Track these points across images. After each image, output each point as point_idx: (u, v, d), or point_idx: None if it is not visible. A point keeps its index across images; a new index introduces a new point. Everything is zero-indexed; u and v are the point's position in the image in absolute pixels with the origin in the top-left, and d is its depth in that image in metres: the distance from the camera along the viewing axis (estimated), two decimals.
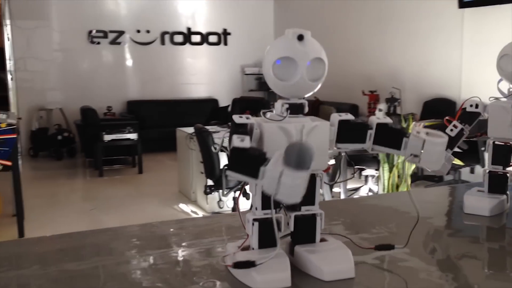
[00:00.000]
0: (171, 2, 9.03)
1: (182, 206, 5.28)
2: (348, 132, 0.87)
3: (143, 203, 5.43)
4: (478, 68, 5.64)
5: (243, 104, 7.33)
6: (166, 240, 1.05)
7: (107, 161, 7.04)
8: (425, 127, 1.19)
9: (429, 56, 6.42)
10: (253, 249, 0.84)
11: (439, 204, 1.34)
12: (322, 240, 0.89)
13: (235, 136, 0.75)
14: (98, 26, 8.55)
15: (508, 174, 1.20)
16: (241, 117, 0.80)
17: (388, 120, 0.89)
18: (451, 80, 6.09)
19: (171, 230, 1.11)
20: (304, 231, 0.87)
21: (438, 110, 5.94)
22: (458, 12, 5.84)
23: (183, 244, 1.02)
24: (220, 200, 4.74)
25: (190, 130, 5.16)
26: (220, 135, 5.07)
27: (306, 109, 0.85)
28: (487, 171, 1.20)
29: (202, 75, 9.33)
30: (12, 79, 8.19)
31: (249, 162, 0.74)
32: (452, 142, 1.19)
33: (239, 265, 0.80)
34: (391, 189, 4.18)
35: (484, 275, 0.90)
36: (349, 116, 0.88)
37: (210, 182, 4.54)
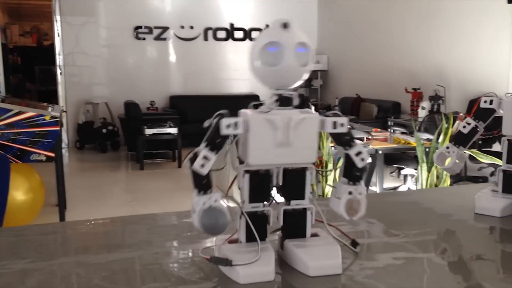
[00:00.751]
0: None
1: None
2: None
3: (181, 197, 5.51)
4: None
5: None
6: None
7: (148, 154, 7.19)
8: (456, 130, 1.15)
9: (476, 52, 6.20)
10: (240, 242, 0.83)
11: (450, 203, 1.29)
12: (314, 235, 0.87)
13: (199, 158, 0.80)
14: (144, 22, 8.74)
15: None
16: (228, 126, 0.81)
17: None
18: (499, 77, 5.85)
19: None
20: (294, 226, 0.85)
21: None
22: (507, 7, 5.60)
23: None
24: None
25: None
26: None
27: (296, 101, 0.84)
28: (501, 170, 1.15)
29: (243, 71, 9.35)
30: (61, 73, 8.49)
31: (196, 185, 0.81)
32: (465, 140, 1.14)
33: (215, 260, 0.80)
34: None
35: (498, 277, 0.86)
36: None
37: None
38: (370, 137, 4.63)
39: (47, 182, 4.70)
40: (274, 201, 0.86)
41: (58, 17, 8.34)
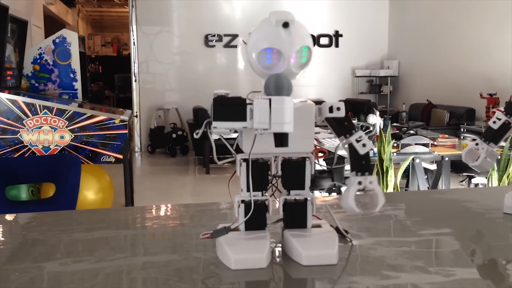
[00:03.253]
0: (283, 4, 9.15)
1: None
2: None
3: None
4: None
5: (348, 107, 7.09)
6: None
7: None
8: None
9: None
10: (239, 230, 0.84)
11: (481, 204, 1.22)
12: (316, 226, 0.86)
13: (219, 90, 0.78)
14: (214, 30, 8.96)
15: None
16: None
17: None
18: None
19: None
20: (294, 216, 0.85)
21: None
22: None
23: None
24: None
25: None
26: (320, 136, 5.04)
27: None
28: None
29: (311, 76, 9.32)
30: (135, 80, 8.89)
31: (234, 106, 0.76)
32: (495, 136, 1.08)
33: (216, 233, 0.81)
34: None
35: None
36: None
37: None
38: (435, 143, 4.46)
39: (117, 184, 4.91)
40: (278, 191, 0.86)
41: (134, 27, 8.75)
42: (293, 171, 0.84)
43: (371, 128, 4.64)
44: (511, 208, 1.06)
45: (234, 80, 9.17)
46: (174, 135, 8.34)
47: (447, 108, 7.15)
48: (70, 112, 4.38)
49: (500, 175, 3.88)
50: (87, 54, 8.51)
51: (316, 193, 4.67)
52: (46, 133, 4.32)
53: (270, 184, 0.84)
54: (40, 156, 4.29)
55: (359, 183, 0.81)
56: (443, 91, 7.66)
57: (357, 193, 0.81)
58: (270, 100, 0.74)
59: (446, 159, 4.23)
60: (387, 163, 3.69)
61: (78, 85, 5.66)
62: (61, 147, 4.36)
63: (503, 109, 1.07)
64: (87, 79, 6.32)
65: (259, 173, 0.82)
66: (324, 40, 9.32)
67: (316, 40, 9.29)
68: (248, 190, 0.82)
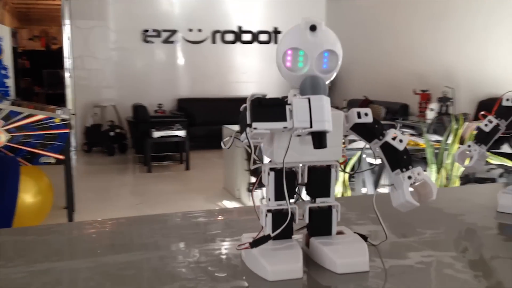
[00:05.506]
0: (223, 1, 9.12)
1: (226, 202, 5.33)
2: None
3: (189, 199, 5.52)
4: None
5: None
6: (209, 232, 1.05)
7: (155, 157, 7.20)
8: (477, 128, 1.14)
9: (485, 53, 6.17)
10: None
11: (471, 202, 1.28)
12: (339, 233, 0.87)
13: (256, 92, 0.76)
14: (152, 25, 8.77)
15: None
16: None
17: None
18: (508, 79, 5.82)
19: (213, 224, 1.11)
20: (320, 223, 0.85)
21: None
22: None
23: (226, 237, 1.01)
24: (263, 198, 4.74)
25: (237, 127, 5.18)
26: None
27: None
28: None
29: (252, 73, 9.38)
30: (70, 77, 8.53)
31: (274, 106, 0.75)
32: (486, 138, 1.14)
33: (255, 243, 0.79)
34: None
35: None
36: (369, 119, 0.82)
37: (254, 180, 4.56)
38: None
39: (54, 185, 4.72)
40: (300, 199, 0.85)
41: (67, 21, 8.38)
42: (320, 179, 0.84)
43: None
44: (505, 207, 1.12)
45: (174, 76, 9.04)
46: (112, 133, 8.10)
47: (383, 104, 7.43)
48: (6, 111, 4.14)
49: (438, 168, 4.11)
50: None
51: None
52: None
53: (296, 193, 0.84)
54: None
55: (409, 177, 0.81)
56: (380, 87, 7.95)
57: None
58: (308, 99, 0.73)
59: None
60: None
61: (10, 82, 5.36)
62: None
63: (493, 114, 1.13)
64: (19, 75, 6.01)
65: (287, 182, 0.82)
66: (263, 37, 9.39)
67: (255, 36, 9.34)
68: (277, 199, 0.82)
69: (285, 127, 0.74)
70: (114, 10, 8.60)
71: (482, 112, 1.15)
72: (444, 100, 6.35)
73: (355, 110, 0.81)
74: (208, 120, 8.43)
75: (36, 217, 4.43)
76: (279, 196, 0.82)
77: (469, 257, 0.94)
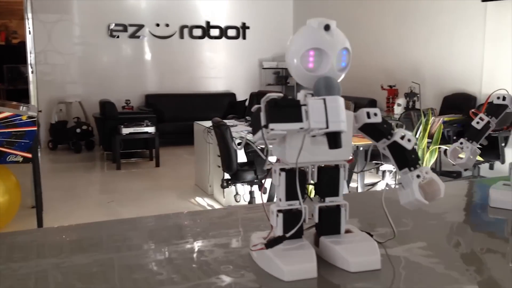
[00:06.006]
0: None
1: (199, 199, 5.31)
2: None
3: (160, 196, 5.46)
4: (500, 63, 5.54)
5: (260, 98, 7.29)
6: (181, 232, 1.05)
7: (124, 154, 7.10)
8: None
9: (451, 50, 6.34)
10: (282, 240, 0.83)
11: (461, 198, 1.32)
12: (347, 231, 0.88)
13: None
14: (118, 19, 8.61)
15: None
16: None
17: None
18: (472, 75, 5.99)
19: (186, 222, 1.11)
20: (329, 222, 0.86)
21: (458, 105, 5.86)
22: (481, 5, 5.74)
23: (199, 236, 1.01)
24: (237, 193, 4.74)
25: (208, 124, 5.16)
26: (237, 129, 5.07)
27: None
28: None
29: (220, 69, 9.33)
30: (32, 72, 8.29)
31: (290, 107, 0.75)
32: (478, 135, 1.17)
33: (272, 243, 0.79)
34: None
35: (509, 269, 0.88)
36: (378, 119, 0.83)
37: (227, 176, 4.54)
38: None
39: (21, 184, 4.60)
40: (309, 199, 0.86)
41: (29, 15, 8.13)
42: (329, 178, 0.84)
43: None
44: (497, 201, 1.16)
45: (141, 72, 8.91)
46: (78, 130, 7.92)
47: (351, 99, 7.52)
48: None
49: None
50: None
51: (239, 185, 4.71)
52: None
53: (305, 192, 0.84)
54: None
55: (418, 176, 0.82)
56: (347, 82, 7.96)
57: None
58: (324, 100, 0.74)
59: (361, 148, 4.47)
60: None
61: None
62: None
63: (483, 111, 1.16)
64: None
65: (295, 182, 0.82)
66: (231, 32, 9.35)
67: (223, 31, 9.29)
68: (288, 199, 0.82)
69: (301, 128, 0.74)
70: (78, 4, 8.39)
71: (473, 110, 1.18)
72: (411, 95, 6.49)
73: (364, 110, 0.82)
74: (177, 116, 8.35)
75: (4, 217, 4.31)
76: (290, 196, 0.82)
77: (461, 251, 0.97)
